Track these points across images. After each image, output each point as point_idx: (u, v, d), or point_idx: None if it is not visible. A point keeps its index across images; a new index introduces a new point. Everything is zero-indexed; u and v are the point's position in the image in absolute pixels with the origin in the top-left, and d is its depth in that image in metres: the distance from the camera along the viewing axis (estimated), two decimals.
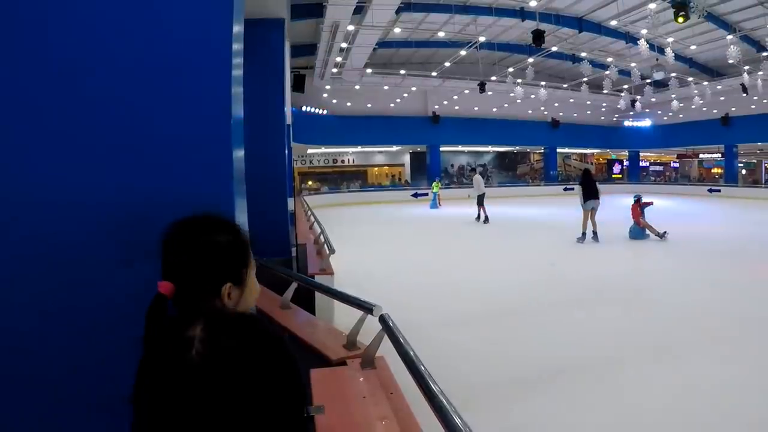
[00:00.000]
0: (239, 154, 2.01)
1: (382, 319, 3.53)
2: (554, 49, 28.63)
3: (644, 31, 22.96)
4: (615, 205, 24.26)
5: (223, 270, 1.44)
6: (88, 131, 1.78)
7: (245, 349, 0.88)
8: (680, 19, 17.52)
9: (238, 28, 2.01)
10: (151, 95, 1.83)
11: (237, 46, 1.98)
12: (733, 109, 37.18)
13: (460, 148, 45.59)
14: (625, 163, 50.77)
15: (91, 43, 1.78)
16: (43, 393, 1.75)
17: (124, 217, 1.79)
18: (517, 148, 47.95)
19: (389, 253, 15.08)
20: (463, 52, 28.81)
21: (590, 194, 15.66)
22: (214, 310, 0.96)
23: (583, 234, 15.70)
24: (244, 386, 0.85)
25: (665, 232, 15.53)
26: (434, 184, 31.39)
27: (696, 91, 33.23)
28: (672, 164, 52.93)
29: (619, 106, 37.89)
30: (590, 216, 15.72)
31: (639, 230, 15.74)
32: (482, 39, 27.31)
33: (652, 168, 53.90)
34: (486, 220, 21.79)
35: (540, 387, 5.73)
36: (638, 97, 36.18)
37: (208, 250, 1.44)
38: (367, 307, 3.99)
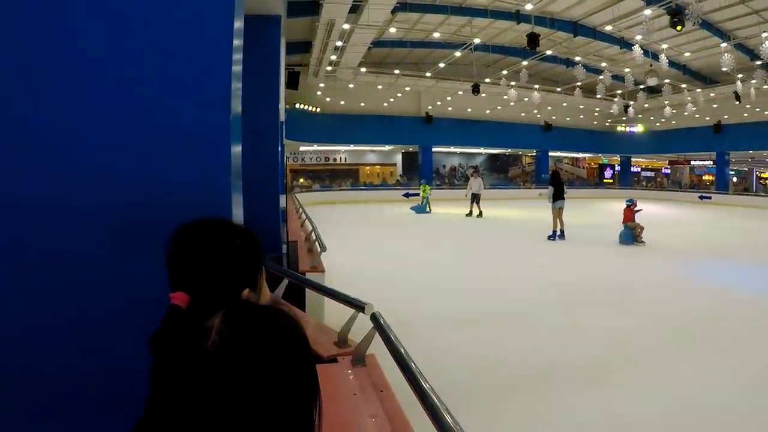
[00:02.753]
0: (237, 149, 2.02)
1: (374, 317, 3.54)
2: (548, 52, 28.72)
3: (639, 37, 23.00)
4: (605, 209, 24.36)
5: (243, 276, 1.40)
6: (86, 125, 1.78)
7: (261, 342, 0.88)
8: (678, 27, 17.72)
9: (238, 24, 2.01)
10: (151, 89, 1.83)
11: (237, 42, 1.99)
12: (726, 116, 37.37)
13: (452, 149, 45.60)
14: (617, 168, 50.91)
15: (92, 38, 1.78)
16: (41, 391, 1.74)
17: (122, 211, 1.79)
18: (510, 150, 48.00)
19: (380, 251, 15.08)
20: (457, 54, 28.83)
21: (559, 194, 16.87)
22: (235, 301, 0.96)
23: (554, 232, 16.92)
24: (257, 378, 0.85)
25: (643, 242, 15.76)
26: (423, 186, 28.80)
27: (689, 98, 33.35)
28: (663, 170, 53.10)
29: (611, 111, 37.95)
30: (559, 215, 16.87)
31: (629, 235, 15.80)
32: (477, 41, 27.35)
33: (643, 174, 54.06)
34: (480, 215, 24.24)
35: (529, 387, 5.75)
36: (631, 102, 36.28)
37: (228, 255, 1.40)
38: (358, 305, 4.00)
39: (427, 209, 27.41)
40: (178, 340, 0.91)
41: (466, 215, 24.76)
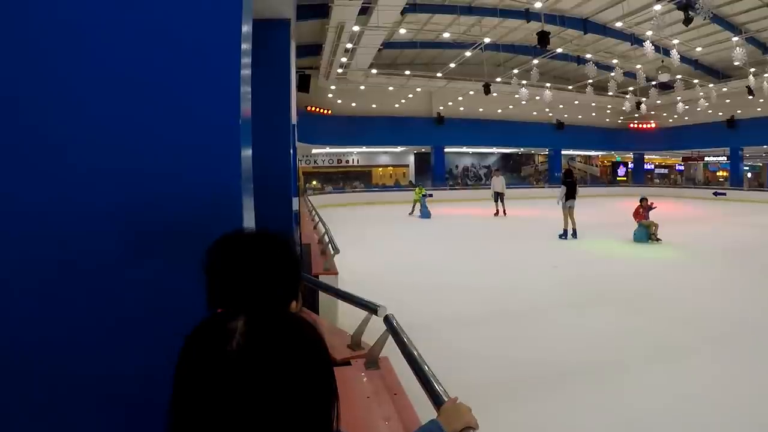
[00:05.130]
0: (247, 153, 2.02)
1: (387, 320, 3.54)
2: (559, 50, 28.58)
3: (649, 33, 22.87)
4: (619, 207, 24.24)
5: (289, 289, 1.40)
6: (96, 129, 1.79)
7: (284, 346, 0.89)
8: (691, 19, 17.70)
9: (246, 28, 2.01)
10: (159, 94, 1.84)
11: (246, 46, 1.99)
12: (739, 111, 37.05)
13: (464, 149, 45.50)
14: (630, 165, 50.65)
15: (100, 42, 1.79)
16: (50, 395, 1.75)
17: (131, 216, 1.80)
18: (522, 149, 47.86)
19: (393, 253, 15.06)
20: (468, 53, 28.77)
21: (571, 194, 16.78)
22: (257, 306, 0.96)
23: (565, 231, 16.91)
24: (278, 382, 0.85)
25: (659, 239, 15.69)
26: (417, 189, 27.33)
27: (701, 93, 33.11)
28: (677, 167, 52.72)
29: (624, 108, 37.75)
30: (570, 214, 16.81)
31: (643, 233, 15.72)
32: (487, 40, 27.27)
33: (657, 171, 53.74)
34: (504, 213, 24.95)
35: (542, 388, 5.73)
36: (643, 99, 36.03)
37: (275, 269, 1.37)
38: (371, 308, 4.00)
39: (419, 213, 25.94)
40: (202, 341, 0.92)
41: (495, 215, 25.15)
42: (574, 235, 16.78)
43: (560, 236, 16.92)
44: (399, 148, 44.55)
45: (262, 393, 0.85)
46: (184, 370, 0.91)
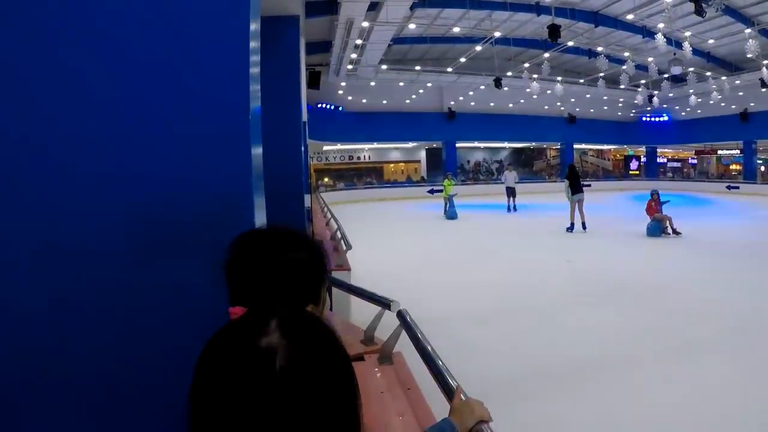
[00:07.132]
0: (258, 151, 2.02)
1: (400, 315, 3.54)
2: (570, 43, 28.42)
3: (661, 25, 22.68)
4: (631, 201, 24.12)
5: (308, 291, 1.37)
6: (105, 129, 1.79)
7: (324, 363, 0.84)
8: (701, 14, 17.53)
9: (255, 26, 2.02)
10: (169, 93, 1.84)
11: (254, 44, 2.00)
12: (752, 104, 36.71)
13: (476, 144, 45.39)
14: (643, 159, 50.36)
15: (109, 41, 1.80)
16: (62, 395, 1.75)
17: (144, 215, 1.80)
18: (534, 144, 47.70)
19: (406, 249, 15.07)
20: (478, 48, 28.64)
21: (576, 188, 17.02)
22: (288, 310, 0.89)
23: (572, 224, 17.11)
24: (318, 403, 0.81)
25: (680, 232, 15.58)
26: (446, 182, 24.84)
27: (714, 86, 32.77)
28: (690, 160, 52.35)
29: (636, 102, 37.56)
30: (578, 207, 17.02)
31: (656, 227, 15.64)
32: (497, 34, 27.13)
33: (669, 164, 53.38)
34: (514, 209, 25.24)
35: (556, 384, 5.73)
36: (655, 92, 35.77)
37: (294, 269, 1.35)
38: (384, 303, 4.00)
39: (446, 212, 23.74)
40: (237, 362, 0.84)
41: (507, 210, 25.39)
42: (583, 227, 16.88)
43: (567, 230, 17.10)
44: (410, 144, 44.55)
45: (305, 411, 0.80)
46: (212, 382, 0.84)
